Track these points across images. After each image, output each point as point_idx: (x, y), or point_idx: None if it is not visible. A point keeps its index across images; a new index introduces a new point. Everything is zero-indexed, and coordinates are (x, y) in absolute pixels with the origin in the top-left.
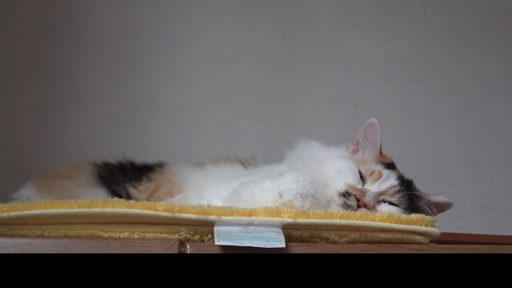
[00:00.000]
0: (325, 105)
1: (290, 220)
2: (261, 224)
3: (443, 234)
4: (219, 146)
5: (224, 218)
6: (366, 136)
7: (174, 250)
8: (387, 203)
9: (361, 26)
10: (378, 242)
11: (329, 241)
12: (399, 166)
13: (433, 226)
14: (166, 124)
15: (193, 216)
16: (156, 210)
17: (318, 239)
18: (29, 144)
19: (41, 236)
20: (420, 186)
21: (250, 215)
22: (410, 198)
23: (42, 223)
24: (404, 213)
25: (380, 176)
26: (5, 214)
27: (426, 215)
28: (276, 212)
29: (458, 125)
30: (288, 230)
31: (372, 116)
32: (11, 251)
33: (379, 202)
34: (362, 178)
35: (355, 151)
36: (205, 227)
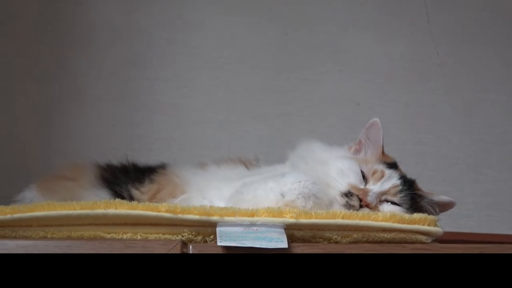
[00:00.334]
0: (327, 105)
1: (292, 220)
2: (263, 225)
3: (446, 233)
4: (221, 146)
5: (226, 218)
6: (368, 136)
7: (176, 250)
8: (389, 203)
9: (363, 25)
10: (381, 242)
11: (332, 241)
12: (401, 166)
13: (435, 225)
14: (169, 125)
15: (196, 217)
16: (158, 211)
17: (321, 239)
18: (32, 145)
19: (44, 238)
20: (423, 185)
21: (252, 216)
22: (413, 197)
23: (45, 225)
24: (407, 212)
25: (382, 176)
26: (8, 216)
27: (429, 214)
28: (278, 212)
29: (461, 125)
30: (291, 231)
31: (374, 116)
32: (14, 252)
33: (381, 202)
34: (364, 178)
35: (357, 151)
36: (208, 227)
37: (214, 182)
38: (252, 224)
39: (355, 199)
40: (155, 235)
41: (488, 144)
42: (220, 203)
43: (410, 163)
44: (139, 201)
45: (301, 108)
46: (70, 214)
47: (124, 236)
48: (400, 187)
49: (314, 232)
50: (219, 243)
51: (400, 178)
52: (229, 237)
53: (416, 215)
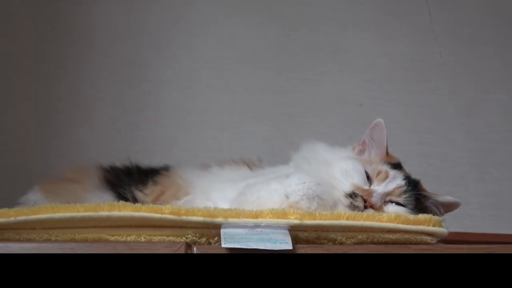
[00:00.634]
0: (328, 105)
1: (296, 221)
2: (268, 226)
3: (451, 233)
4: (224, 147)
5: (230, 220)
6: (372, 137)
7: (181, 252)
8: (394, 204)
9: (364, 25)
10: (386, 243)
11: (336, 242)
12: (405, 166)
13: (440, 226)
14: (171, 126)
15: (200, 218)
16: (162, 213)
17: (325, 240)
18: (35, 147)
19: (48, 240)
20: (427, 186)
21: (257, 217)
22: (417, 198)
23: (48, 227)
24: (411, 213)
25: (386, 177)
26: (12, 219)
27: (434, 215)
28: (283, 213)
29: (463, 124)
30: (295, 232)
31: (376, 116)
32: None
33: (386, 202)
34: (368, 178)
35: (361, 152)
36: (212, 229)
37: (217, 183)
38: (257, 226)
39: (360, 200)
40: (159, 237)
41: (492, 143)
42: (224, 205)
43: (413, 163)
44: (142, 203)
45: (303, 108)
46: (74, 217)
47: (128, 238)
48: (405, 188)
49: (319, 233)
50: (223, 245)
51: (404, 179)
52: (233, 239)
53: (421, 216)
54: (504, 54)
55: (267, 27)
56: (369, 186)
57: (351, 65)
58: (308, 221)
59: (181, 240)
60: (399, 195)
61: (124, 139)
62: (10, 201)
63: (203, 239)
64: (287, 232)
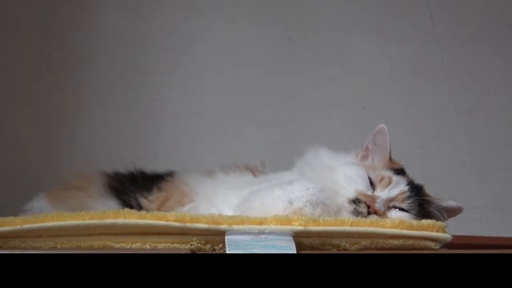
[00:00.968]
0: (332, 109)
1: (300, 228)
2: (272, 233)
3: (455, 237)
4: (227, 152)
5: (235, 227)
6: (375, 142)
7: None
8: (397, 209)
9: (367, 29)
10: (389, 248)
11: (340, 248)
12: (407, 169)
13: (444, 231)
14: (175, 131)
15: (204, 225)
16: (167, 220)
17: (329, 247)
18: (39, 154)
19: (54, 248)
20: (429, 189)
21: (261, 224)
22: (421, 203)
23: (54, 235)
24: (415, 219)
25: (390, 182)
26: (18, 227)
27: (437, 220)
28: (287, 220)
29: (466, 127)
30: (299, 238)
31: (379, 120)
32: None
33: (389, 208)
34: (372, 184)
35: (364, 158)
36: (216, 236)
37: (222, 190)
38: (261, 232)
39: (363, 206)
40: (164, 244)
41: (495, 145)
42: (228, 211)
43: (416, 166)
44: (147, 209)
45: (306, 112)
46: (80, 224)
47: (133, 246)
48: (408, 193)
49: (323, 239)
50: (228, 252)
51: (407, 184)
52: (237, 246)
53: (425, 221)
54: (506, 55)
55: (269, 31)
56: (373, 192)
57: (353, 69)
58: (312, 227)
59: (185, 247)
60: (403, 201)
61: (127, 144)
62: (13, 207)
63: (208, 246)
64: (291, 238)
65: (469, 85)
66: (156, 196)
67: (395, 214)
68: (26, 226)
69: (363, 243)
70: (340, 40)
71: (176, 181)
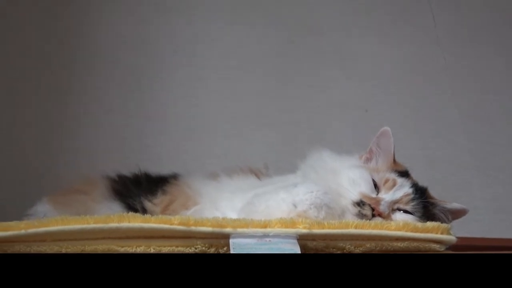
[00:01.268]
0: (335, 111)
1: (305, 230)
2: (276, 236)
3: (459, 239)
4: (231, 155)
5: (239, 230)
6: (379, 145)
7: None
8: (402, 212)
9: (369, 31)
10: (394, 251)
11: (345, 251)
12: (410, 171)
13: (449, 233)
14: (178, 134)
15: (209, 229)
16: (171, 224)
17: (334, 249)
18: (42, 157)
19: (58, 252)
20: (432, 190)
21: (265, 227)
22: (425, 205)
23: (59, 240)
24: (419, 221)
25: (394, 185)
26: (23, 232)
27: (442, 222)
28: (291, 223)
29: (468, 128)
30: (303, 241)
31: (382, 121)
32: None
33: (394, 210)
34: (376, 187)
35: (368, 160)
36: (221, 239)
37: (226, 193)
38: (265, 235)
39: (367, 208)
40: (169, 247)
41: (498, 146)
42: (233, 214)
43: (419, 168)
44: (152, 213)
45: (308, 115)
46: (84, 228)
47: (138, 250)
48: (412, 196)
49: (327, 242)
50: None
51: (412, 186)
52: (242, 249)
53: (429, 224)
54: (508, 57)
55: (271, 34)
56: (377, 194)
57: (356, 71)
58: (316, 230)
59: (190, 250)
60: (407, 203)
61: (130, 147)
62: (16, 211)
63: (212, 249)
64: (295, 241)
65: (471, 86)
66: (160, 199)
67: (399, 217)
68: (31, 230)
69: (368, 245)
70: (342, 42)
71: (180, 184)
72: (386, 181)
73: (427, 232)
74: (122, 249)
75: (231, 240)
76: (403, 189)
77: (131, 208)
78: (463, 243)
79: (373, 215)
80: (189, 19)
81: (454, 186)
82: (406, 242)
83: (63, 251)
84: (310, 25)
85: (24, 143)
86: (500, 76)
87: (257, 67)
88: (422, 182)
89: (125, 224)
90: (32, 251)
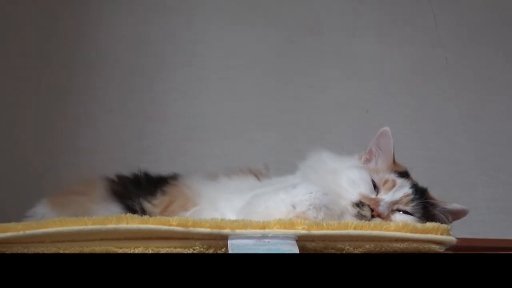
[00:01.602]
0: (336, 112)
1: (304, 231)
2: (275, 237)
3: (459, 239)
4: (231, 155)
5: (238, 231)
6: (378, 145)
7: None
8: (401, 212)
9: (369, 31)
10: (394, 252)
11: (344, 251)
12: (411, 172)
13: (448, 234)
14: (178, 135)
15: (207, 230)
16: (170, 225)
17: (333, 250)
18: (43, 158)
19: (56, 254)
20: (434, 191)
21: (264, 228)
22: (425, 206)
23: (57, 241)
24: (419, 221)
25: (393, 185)
26: (21, 233)
27: (442, 223)
28: (290, 224)
29: (470, 128)
30: (302, 242)
31: (383, 122)
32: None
33: (393, 211)
34: (375, 187)
35: (368, 160)
36: (219, 240)
37: (225, 194)
38: (264, 236)
39: (367, 209)
40: (167, 249)
41: (499, 147)
42: (232, 215)
43: (420, 169)
44: (151, 214)
45: (309, 115)
46: (82, 230)
47: (136, 251)
48: (412, 196)
49: (326, 243)
50: None
51: (411, 187)
52: (240, 250)
53: (429, 224)
54: (508, 57)
55: (271, 34)
56: (376, 195)
57: (356, 71)
58: (315, 231)
59: (188, 251)
60: (407, 204)
61: (130, 148)
62: (16, 212)
63: (211, 250)
64: (294, 242)
65: (472, 86)
66: (160, 200)
67: (399, 217)
68: (29, 232)
69: (367, 246)
70: (342, 42)
71: (179, 184)
72: (386, 181)
73: (427, 233)
74: (120, 250)
75: (229, 241)
76: (403, 190)
77: (130, 209)
78: (463, 244)
79: (373, 216)
80: (189, 19)
81: (454, 186)
82: (405, 243)
83: (61, 252)
84: (310, 25)
85: (24, 143)
86: (501, 76)
87: (257, 67)
88: (422, 183)
89: (123, 226)
90: (30, 252)
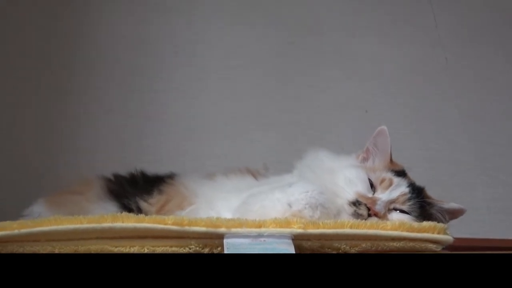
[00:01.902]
0: (335, 112)
1: (300, 230)
2: (271, 236)
3: (459, 239)
4: (231, 155)
5: (233, 230)
6: (375, 144)
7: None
8: (398, 211)
9: (370, 31)
10: (390, 251)
11: (340, 251)
12: (411, 172)
13: (445, 233)
14: (178, 135)
15: (203, 229)
16: (165, 224)
17: (329, 249)
18: (43, 158)
19: (52, 253)
20: (433, 191)
21: (260, 227)
22: (422, 205)
23: (52, 240)
24: (416, 221)
25: (390, 184)
26: (16, 232)
27: (439, 222)
28: (286, 222)
29: (470, 128)
30: (298, 241)
31: (382, 122)
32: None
33: (390, 210)
34: (372, 186)
35: (365, 159)
36: (215, 239)
37: (222, 193)
38: (260, 235)
39: (363, 208)
40: (163, 247)
41: (499, 147)
42: (228, 214)
43: (420, 169)
44: (147, 213)
45: (308, 115)
46: (77, 228)
47: (132, 250)
48: (409, 195)
49: (322, 242)
50: None
51: (408, 186)
52: (236, 249)
53: (426, 223)
54: (509, 56)
55: (272, 34)
56: (373, 194)
57: (356, 71)
58: (311, 230)
59: (184, 250)
60: (403, 203)
61: (130, 148)
62: (15, 212)
63: (206, 249)
64: (290, 241)
65: (472, 86)
66: (156, 199)
67: (395, 216)
68: (24, 230)
69: (363, 245)
70: (342, 41)
71: (176, 184)
72: (383, 180)
73: (423, 231)
74: (116, 249)
75: (225, 240)
76: (400, 189)
77: (126, 208)
78: (463, 244)
79: (369, 215)
80: (189, 19)
81: (454, 186)
82: (402, 242)
83: (56, 251)
84: (310, 25)
85: (24, 143)
86: (501, 76)
87: (257, 67)
88: (422, 183)
89: (118, 224)
90: (25, 251)
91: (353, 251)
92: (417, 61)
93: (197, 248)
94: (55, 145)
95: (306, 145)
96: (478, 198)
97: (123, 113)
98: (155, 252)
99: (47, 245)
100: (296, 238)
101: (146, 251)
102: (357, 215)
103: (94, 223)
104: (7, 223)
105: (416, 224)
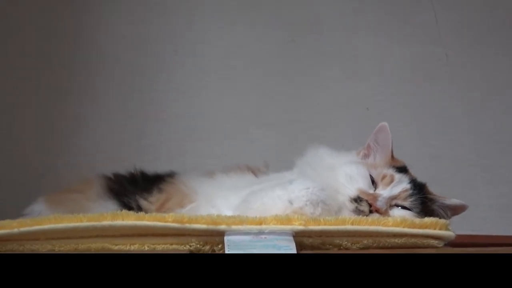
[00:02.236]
0: (336, 110)
1: (301, 227)
2: (272, 233)
3: (461, 236)
4: (231, 154)
5: (234, 227)
6: (377, 140)
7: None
8: (399, 207)
9: (370, 29)
10: (392, 247)
11: (342, 247)
12: (413, 170)
13: (447, 229)
14: (178, 134)
15: (203, 226)
16: (165, 222)
17: (330, 246)
18: (43, 158)
19: (51, 251)
20: (436, 188)
21: (260, 224)
22: (423, 201)
23: (52, 238)
24: (418, 217)
25: (392, 180)
26: (16, 230)
27: (440, 218)
28: (287, 219)
29: (472, 126)
30: (299, 238)
31: (383, 120)
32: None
33: (391, 206)
34: (374, 183)
35: (366, 156)
36: (215, 237)
37: (222, 190)
38: (260, 232)
39: (365, 204)
40: (163, 245)
41: (501, 144)
42: (228, 212)
43: (422, 166)
44: (147, 211)
45: (309, 113)
46: (77, 227)
47: (132, 247)
48: (410, 191)
49: (323, 238)
50: (227, 252)
51: (410, 182)
52: (237, 246)
53: (427, 219)
54: (510, 55)
55: (272, 33)
56: (374, 190)
57: (357, 69)
58: (312, 227)
59: (184, 248)
60: (405, 199)
61: (130, 147)
62: (15, 212)
63: (207, 247)
64: (291, 238)
65: (474, 84)
66: (156, 198)
67: (397, 212)
68: (24, 229)
69: (365, 242)
70: (343, 40)
71: (176, 182)
72: (384, 176)
73: (425, 228)
74: (116, 247)
75: (226, 238)
76: (401, 185)
77: (126, 206)
78: (465, 240)
79: (371, 211)
80: (189, 19)
81: (458, 184)
82: (403, 238)
83: (56, 249)
84: (310, 25)
85: (24, 143)
86: (502, 73)
87: (257, 67)
88: (425, 180)
89: (118, 222)
90: (25, 250)
91: (354, 247)
92: (417, 59)
93: (198, 245)
94: (55, 145)
95: (307, 144)
96: (480, 195)
97: (123, 113)
98: (156, 249)
99: (47, 244)
100: (297, 235)
101: (146, 249)
102: (358, 212)
103: (94, 221)
104: (7, 222)
105: (417, 220)
